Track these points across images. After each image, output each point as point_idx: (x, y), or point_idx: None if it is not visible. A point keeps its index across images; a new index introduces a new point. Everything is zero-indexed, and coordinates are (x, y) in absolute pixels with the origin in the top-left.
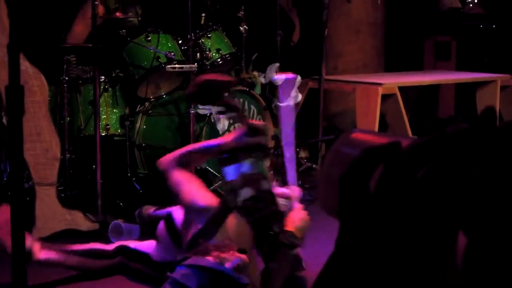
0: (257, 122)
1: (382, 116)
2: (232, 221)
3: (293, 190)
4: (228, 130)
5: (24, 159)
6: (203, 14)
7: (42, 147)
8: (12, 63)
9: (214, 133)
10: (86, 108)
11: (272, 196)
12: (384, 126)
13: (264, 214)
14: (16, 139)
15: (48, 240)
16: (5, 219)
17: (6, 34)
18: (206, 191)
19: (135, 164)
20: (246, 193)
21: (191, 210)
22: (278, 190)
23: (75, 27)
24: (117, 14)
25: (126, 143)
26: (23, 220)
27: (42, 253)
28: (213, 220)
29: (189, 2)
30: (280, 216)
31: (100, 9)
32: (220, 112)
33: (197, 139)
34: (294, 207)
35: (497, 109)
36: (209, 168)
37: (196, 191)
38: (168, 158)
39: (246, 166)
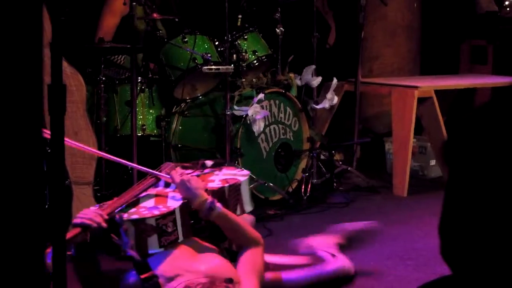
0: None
1: (417, 119)
2: (203, 259)
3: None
4: (264, 132)
5: (64, 159)
6: (240, 16)
7: None
8: (54, 62)
9: (250, 135)
10: (122, 108)
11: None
12: (419, 129)
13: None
14: (58, 138)
15: None
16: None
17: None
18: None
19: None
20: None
21: None
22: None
23: (104, 21)
24: (154, 15)
25: (162, 144)
26: (63, 220)
27: None
28: None
29: (226, 3)
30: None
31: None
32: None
33: (233, 140)
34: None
35: None
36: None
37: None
38: None
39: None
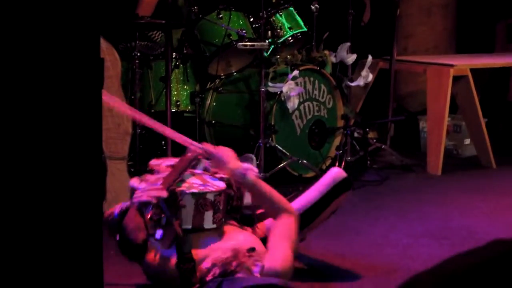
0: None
1: (452, 98)
2: (230, 236)
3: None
4: (298, 108)
5: (101, 133)
6: None
7: (114, 121)
8: (91, 37)
9: (284, 111)
10: (157, 84)
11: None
12: (454, 107)
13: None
14: (95, 112)
15: None
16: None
17: None
18: None
19: (204, 141)
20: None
21: None
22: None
23: None
24: None
25: (196, 120)
26: (100, 196)
27: None
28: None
29: None
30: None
31: None
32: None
33: (267, 117)
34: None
35: None
36: (278, 146)
37: None
38: None
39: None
